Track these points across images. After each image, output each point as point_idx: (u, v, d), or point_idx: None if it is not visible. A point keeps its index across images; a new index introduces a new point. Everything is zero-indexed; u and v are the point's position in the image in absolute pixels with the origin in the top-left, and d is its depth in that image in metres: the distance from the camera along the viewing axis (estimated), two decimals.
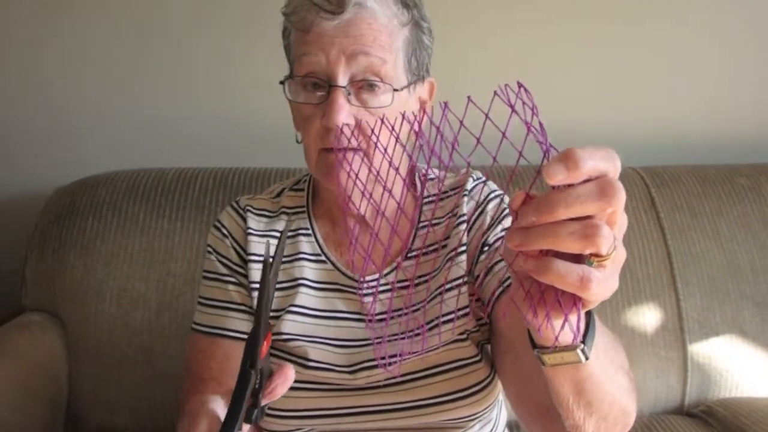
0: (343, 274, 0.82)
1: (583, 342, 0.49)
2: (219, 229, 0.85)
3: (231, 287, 0.82)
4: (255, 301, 0.81)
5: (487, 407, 0.78)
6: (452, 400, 0.75)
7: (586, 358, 0.49)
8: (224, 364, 0.78)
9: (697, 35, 1.56)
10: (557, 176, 0.39)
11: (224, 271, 0.82)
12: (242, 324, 0.81)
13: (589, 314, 0.50)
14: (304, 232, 0.84)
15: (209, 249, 0.84)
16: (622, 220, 0.43)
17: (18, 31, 1.45)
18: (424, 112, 0.80)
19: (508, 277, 0.74)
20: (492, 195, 0.83)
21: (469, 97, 0.47)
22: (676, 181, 1.39)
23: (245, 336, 0.78)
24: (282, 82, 0.77)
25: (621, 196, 0.40)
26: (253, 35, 1.46)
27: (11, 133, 1.49)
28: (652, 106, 1.58)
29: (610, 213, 0.41)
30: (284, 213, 0.86)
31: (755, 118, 1.61)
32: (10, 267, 1.42)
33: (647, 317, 1.27)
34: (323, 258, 0.83)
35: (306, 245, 0.83)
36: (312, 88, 0.74)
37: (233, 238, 0.84)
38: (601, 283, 0.42)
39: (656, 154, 1.55)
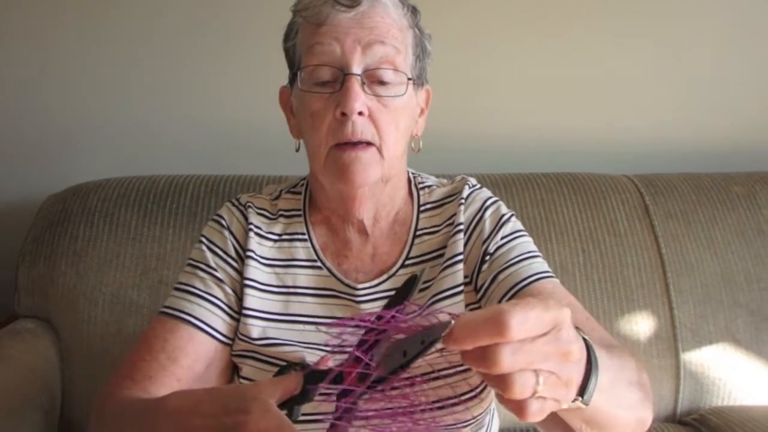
0: (339, 280, 0.81)
1: (581, 395, 0.48)
2: (218, 221, 0.84)
3: (212, 280, 0.80)
4: (232, 298, 0.80)
5: (480, 414, 0.77)
6: (444, 407, 0.74)
7: (586, 405, 0.49)
8: (180, 344, 0.76)
9: (690, 43, 1.55)
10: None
11: (212, 263, 0.80)
12: (212, 317, 0.78)
13: (589, 357, 0.49)
14: (300, 237, 0.83)
15: (202, 239, 0.82)
16: (546, 358, 0.43)
17: (10, 40, 1.45)
18: None
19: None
20: (489, 202, 0.83)
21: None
22: (671, 189, 1.38)
23: (210, 328, 0.77)
24: (292, 77, 0.77)
25: (505, 364, 0.41)
26: (245, 43, 1.47)
27: (3, 140, 1.49)
28: (646, 113, 1.57)
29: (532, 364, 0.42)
30: (282, 216, 0.85)
31: (750, 126, 1.60)
32: (3, 274, 1.42)
33: (640, 325, 1.27)
34: (319, 264, 0.82)
35: (301, 251, 0.83)
36: (320, 86, 0.74)
37: (231, 231, 0.82)
38: (545, 404, 0.43)
39: (650, 162, 1.55)
